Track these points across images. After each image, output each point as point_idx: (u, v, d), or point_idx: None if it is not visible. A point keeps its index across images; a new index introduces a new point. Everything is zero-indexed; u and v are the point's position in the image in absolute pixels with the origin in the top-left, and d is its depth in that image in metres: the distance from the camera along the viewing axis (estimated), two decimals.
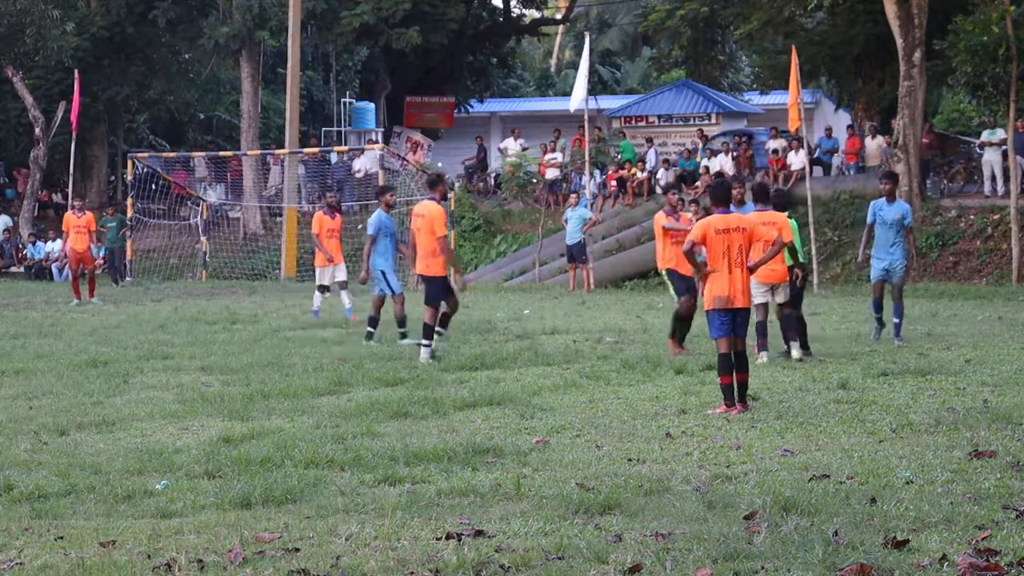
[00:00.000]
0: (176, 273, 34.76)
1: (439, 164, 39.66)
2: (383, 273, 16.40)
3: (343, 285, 20.13)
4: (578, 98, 29.03)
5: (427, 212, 14.41)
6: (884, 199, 15.39)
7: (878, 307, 15.65)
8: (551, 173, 34.70)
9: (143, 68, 41.74)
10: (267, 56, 43.21)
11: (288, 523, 6.93)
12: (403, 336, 16.25)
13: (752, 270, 10.86)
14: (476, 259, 34.97)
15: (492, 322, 19.05)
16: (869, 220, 15.59)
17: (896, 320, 15.32)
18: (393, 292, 16.41)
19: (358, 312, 19.52)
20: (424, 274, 14.52)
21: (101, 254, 36.13)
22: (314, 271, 30.94)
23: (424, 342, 14.21)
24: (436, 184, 15.07)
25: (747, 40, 36.42)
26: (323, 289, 20.16)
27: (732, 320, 10.64)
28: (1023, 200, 26.87)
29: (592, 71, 33.32)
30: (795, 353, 13.87)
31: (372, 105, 45.56)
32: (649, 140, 36.97)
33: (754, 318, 12.85)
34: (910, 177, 29.35)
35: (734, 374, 10.58)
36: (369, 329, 16.47)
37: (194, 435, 10.02)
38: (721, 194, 11.02)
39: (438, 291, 14.44)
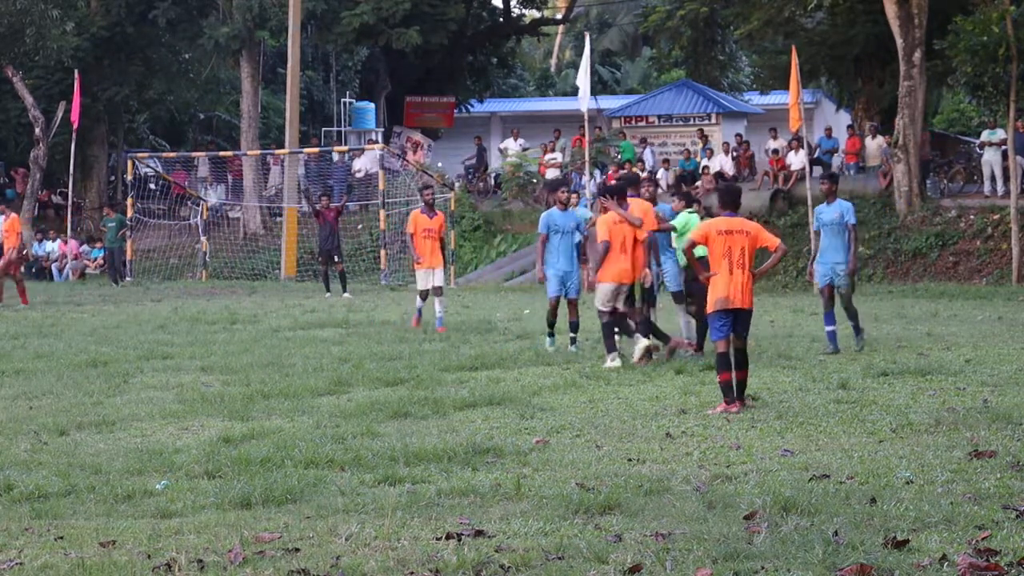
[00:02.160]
0: (176, 273, 34.76)
1: (439, 164, 39.67)
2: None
3: (438, 292, 18.19)
4: (586, 97, 29.02)
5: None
6: (825, 201, 14.79)
7: (829, 319, 14.53)
8: (551, 173, 34.69)
9: (143, 68, 41.72)
10: (267, 56, 43.20)
11: (288, 523, 6.93)
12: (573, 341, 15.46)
13: (756, 276, 10.89)
14: (476, 259, 34.96)
15: (492, 322, 19.05)
16: (815, 227, 15.12)
17: (852, 322, 14.58)
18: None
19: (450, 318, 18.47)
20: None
21: (100, 255, 36.21)
22: (314, 272, 30.97)
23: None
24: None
25: (747, 40, 36.42)
26: (424, 295, 18.25)
27: (733, 320, 10.70)
28: (1023, 200, 26.87)
29: (592, 71, 33.27)
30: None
31: (372, 105, 45.55)
32: (643, 141, 36.93)
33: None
34: (910, 177, 29.37)
35: (733, 372, 10.60)
36: (571, 335, 15.39)
37: (194, 435, 10.01)
38: (729, 197, 11.14)
39: None
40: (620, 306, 13.96)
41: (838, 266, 14.58)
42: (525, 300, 24.68)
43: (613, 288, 13.84)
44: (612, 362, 13.45)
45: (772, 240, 11.09)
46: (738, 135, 36.81)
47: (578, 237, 15.63)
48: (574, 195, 18.73)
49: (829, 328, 14.59)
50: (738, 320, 10.73)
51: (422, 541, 6.47)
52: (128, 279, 32.35)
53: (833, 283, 14.68)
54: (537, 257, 15.93)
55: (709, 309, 10.85)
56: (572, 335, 15.40)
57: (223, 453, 8.94)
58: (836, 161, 34.49)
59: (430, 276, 18.11)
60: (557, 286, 15.29)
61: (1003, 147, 28.88)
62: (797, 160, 31.70)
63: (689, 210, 14.65)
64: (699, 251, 11.25)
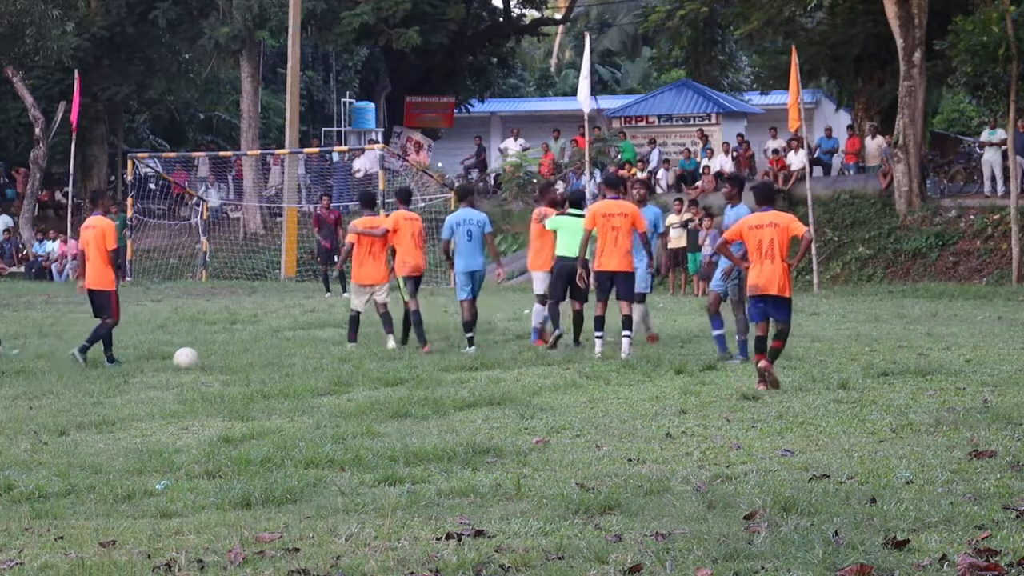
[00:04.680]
0: (176, 273, 34.75)
1: (439, 164, 39.66)
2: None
3: (542, 300, 16.79)
4: (583, 97, 29.01)
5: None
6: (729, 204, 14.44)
7: (716, 323, 14.19)
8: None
9: (143, 68, 41.71)
10: (267, 56, 43.19)
11: (288, 523, 6.93)
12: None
13: (790, 267, 11.75)
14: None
15: (492, 322, 19.05)
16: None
17: (738, 337, 13.88)
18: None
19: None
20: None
21: None
22: (314, 272, 30.95)
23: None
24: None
25: (747, 40, 36.42)
26: (542, 300, 16.67)
27: (767, 306, 11.69)
28: (1023, 200, 26.87)
29: (592, 71, 33.27)
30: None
31: (372, 105, 45.55)
32: (652, 141, 36.95)
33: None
34: (910, 177, 29.37)
35: (769, 343, 11.69)
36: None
37: (194, 435, 10.02)
38: (763, 194, 12.17)
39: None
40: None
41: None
42: (525, 300, 24.67)
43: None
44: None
45: (799, 229, 11.83)
46: (739, 135, 36.81)
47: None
48: None
49: (715, 332, 14.33)
50: (773, 306, 11.70)
51: (422, 541, 6.47)
52: (128, 279, 32.34)
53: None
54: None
55: (747, 295, 12.03)
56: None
57: (223, 453, 8.95)
58: (836, 161, 34.49)
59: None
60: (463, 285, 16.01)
61: (1003, 147, 28.87)
62: (797, 160, 31.70)
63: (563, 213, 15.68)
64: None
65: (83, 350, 14.62)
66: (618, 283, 14.56)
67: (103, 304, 14.93)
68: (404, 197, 17.16)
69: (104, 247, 14.85)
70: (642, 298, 15.69)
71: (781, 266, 11.66)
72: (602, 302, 14.62)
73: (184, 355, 14.35)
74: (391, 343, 15.70)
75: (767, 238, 11.63)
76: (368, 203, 17.03)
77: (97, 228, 14.93)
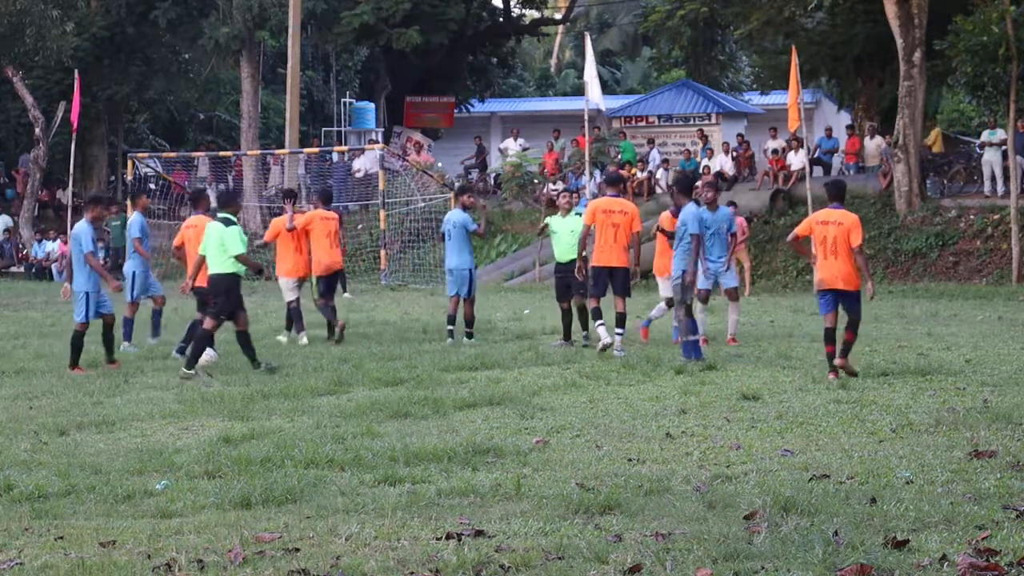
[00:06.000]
0: (176, 273, 34.69)
1: (439, 164, 39.65)
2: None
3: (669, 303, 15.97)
4: (598, 96, 28.92)
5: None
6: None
7: (692, 324, 14.14)
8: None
9: (143, 68, 41.69)
10: (267, 56, 43.17)
11: (288, 523, 6.93)
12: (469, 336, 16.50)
13: (858, 270, 12.28)
14: (476, 259, 34.85)
15: (492, 322, 19.05)
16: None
17: (680, 337, 14.17)
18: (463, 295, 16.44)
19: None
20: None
21: (102, 255, 36.20)
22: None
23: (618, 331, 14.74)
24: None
25: (747, 40, 36.41)
26: (669, 302, 15.96)
27: (835, 299, 12.20)
28: (1023, 200, 26.87)
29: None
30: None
31: (372, 105, 45.53)
32: (651, 141, 36.95)
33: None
34: (910, 177, 29.36)
35: (840, 336, 12.15)
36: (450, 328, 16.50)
37: (194, 435, 10.02)
38: (835, 191, 12.72)
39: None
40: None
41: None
42: (525, 300, 24.69)
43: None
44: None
45: (857, 240, 12.27)
46: (739, 135, 36.81)
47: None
48: (574, 194, 18.73)
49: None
50: (841, 300, 12.23)
51: (422, 541, 6.47)
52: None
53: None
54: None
55: (815, 289, 12.67)
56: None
57: (223, 453, 8.95)
58: (836, 161, 34.47)
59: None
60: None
61: (1003, 147, 28.86)
62: (797, 160, 31.69)
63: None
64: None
65: (181, 349, 14.38)
66: (615, 279, 14.73)
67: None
68: (324, 197, 17.81)
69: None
70: (735, 295, 15.88)
71: (847, 261, 12.19)
72: (595, 297, 14.82)
73: (205, 354, 14.33)
74: (304, 339, 16.62)
75: (831, 235, 12.21)
76: (325, 198, 17.71)
77: (199, 227, 14.95)
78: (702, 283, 15.21)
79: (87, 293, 14.39)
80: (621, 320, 14.68)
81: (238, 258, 13.89)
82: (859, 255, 12.28)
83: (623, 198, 15.36)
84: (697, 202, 14.64)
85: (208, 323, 14.02)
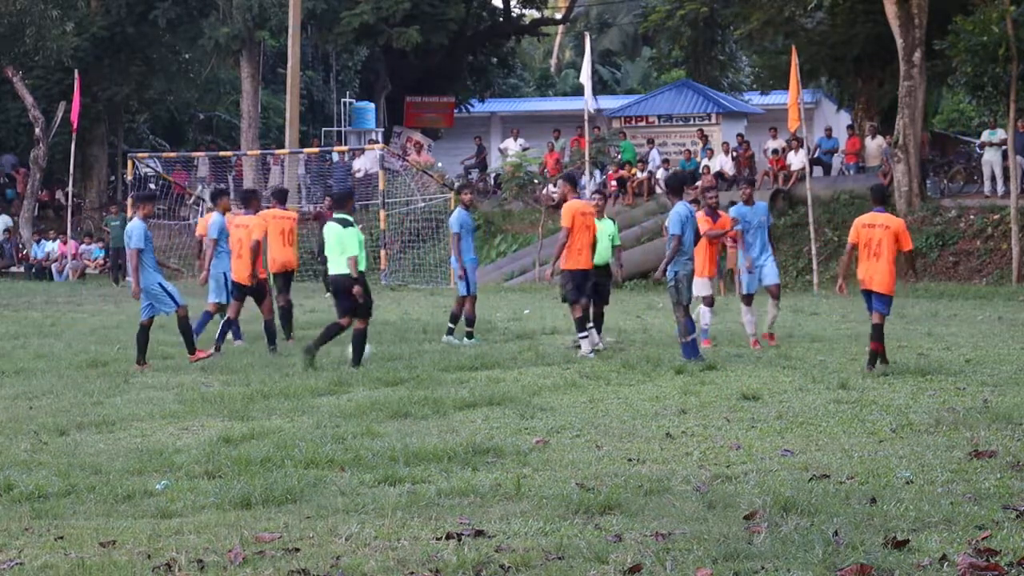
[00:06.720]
0: (176, 273, 34.66)
1: (439, 164, 39.65)
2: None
3: (708, 302, 15.97)
4: (589, 97, 29.01)
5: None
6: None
7: (690, 324, 14.07)
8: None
9: (143, 68, 41.68)
10: (267, 56, 43.15)
11: (288, 523, 6.93)
12: (470, 335, 16.56)
13: (902, 272, 13.02)
14: (476, 259, 34.87)
15: (492, 322, 19.05)
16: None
17: (680, 340, 14.05)
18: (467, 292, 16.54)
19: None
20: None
21: (101, 255, 36.20)
22: (314, 271, 30.88)
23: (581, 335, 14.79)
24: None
25: (747, 40, 36.38)
26: (708, 301, 15.93)
27: (870, 298, 12.73)
28: (1023, 200, 26.87)
29: (592, 71, 33.26)
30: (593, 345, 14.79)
31: (372, 105, 45.51)
32: (651, 141, 36.96)
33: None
34: (910, 177, 29.35)
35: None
36: (468, 329, 16.59)
37: (194, 435, 10.02)
38: (878, 195, 13.49)
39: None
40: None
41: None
42: (525, 300, 24.69)
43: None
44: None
45: (906, 244, 12.96)
46: (739, 135, 36.80)
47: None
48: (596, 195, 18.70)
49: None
50: (875, 299, 12.69)
51: (422, 541, 6.47)
52: (128, 279, 32.31)
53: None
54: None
55: (860, 288, 13.01)
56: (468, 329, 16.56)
57: (223, 453, 8.95)
58: (836, 161, 34.46)
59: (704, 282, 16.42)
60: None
61: (1003, 147, 28.86)
62: (797, 160, 31.69)
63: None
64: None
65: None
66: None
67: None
68: (280, 197, 18.07)
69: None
70: (777, 292, 15.92)
71: (888, 264, 12.70)
72: (578, 302, 14.72)
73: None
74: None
75: (876, 237, 12.73)
76: (280, 198, 18.05)
77: (251, 227, 15.81)
78: (748, 284, 15.22)
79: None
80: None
81: (348, 260, 13.66)
82: (909, 257, 13.19)
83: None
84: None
85: (358, 323, 13.90)
